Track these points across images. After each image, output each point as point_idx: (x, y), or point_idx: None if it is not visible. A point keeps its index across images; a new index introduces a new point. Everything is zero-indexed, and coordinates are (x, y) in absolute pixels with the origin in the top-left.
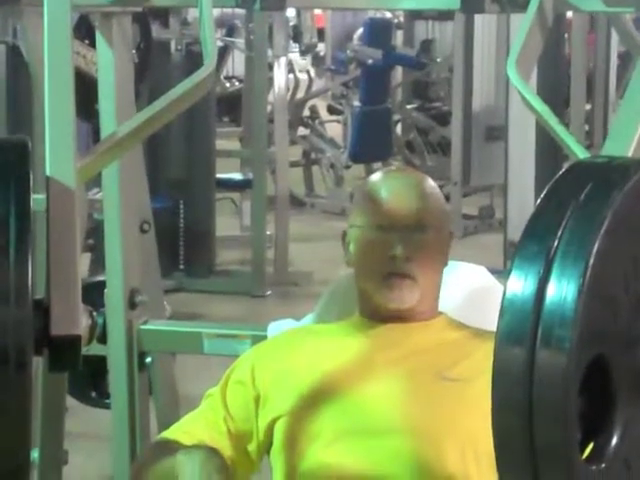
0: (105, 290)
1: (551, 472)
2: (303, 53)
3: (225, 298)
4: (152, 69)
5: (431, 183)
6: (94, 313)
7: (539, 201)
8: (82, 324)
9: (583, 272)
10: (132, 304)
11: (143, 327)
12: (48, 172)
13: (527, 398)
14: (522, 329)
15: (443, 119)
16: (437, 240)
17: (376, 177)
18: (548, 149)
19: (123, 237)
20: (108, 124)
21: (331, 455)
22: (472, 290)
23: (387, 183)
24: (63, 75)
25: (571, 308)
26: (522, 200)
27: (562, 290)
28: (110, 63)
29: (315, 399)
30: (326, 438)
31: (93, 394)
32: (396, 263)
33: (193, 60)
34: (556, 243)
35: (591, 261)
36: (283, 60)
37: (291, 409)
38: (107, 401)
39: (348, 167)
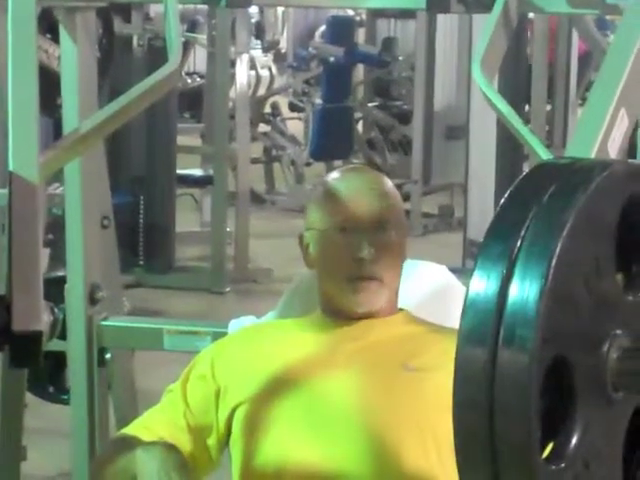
0: (65, 286)
1: (511, 472)
2: (266, 50)
3: (184, 294)
4: (114, 64)
5: (388, 181)
6: (55, 309)
7: (502, 201)
8: (44, 320)
9: (545, 273)
10: (92, 300)
11: (103, 323)
12: (11, 167)
13: (488, 398)
14: (484, 328)
15: (404, 117)
16: (399, 239)
17: (333, 177)
18: (508, 149)
19: (84, 232)
20: (71, 119)
21: (289, 444)
22: (433, 289)
23: (346, 183)
24: (27, 70)
25: (533, 308)
26: (482, 199)
27: (524, 290)
28: (73, 58)
29: (274, 388)
30: (285, 426)
31: (51, 389)
32: (363, 265)
33: (155, 55)
34: (519, 243)
35: (554, 262)
36: (245, 57)
37: (250, 396)
38: (65, 397)
39: (309, 164)
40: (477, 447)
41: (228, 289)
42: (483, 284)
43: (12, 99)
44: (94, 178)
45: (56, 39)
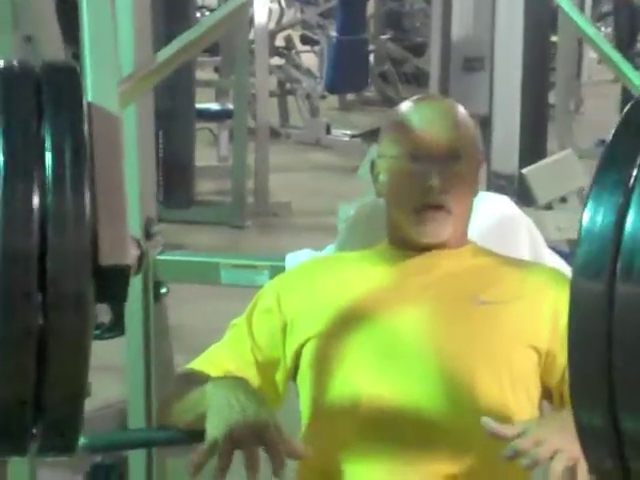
0: None
1: (630, 406)
2: None
3: (205, 229)
4: None
5: (463, 111)
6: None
7: (615, 128)
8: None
9: None
10: (148, 234)
11: (159, 257)
12: (90, 97)
13: (606, 332)
14: (601, 261)
15: (417, 50)
16: (471, 169)
17: (407, 105)
18: (534, 79)
19: (140, 166)
20: (126, 52)
21: (361, 377)
22: (496, 219)
23: (420, 111)
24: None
25: None
26: (507, 131)
27: None
28: None
29: (344, 322)
30: (355, 360)
31: None
32: (432, 194)
33: None
34: (635, 172)
35: None
36: None
37: (319, 331)
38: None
39: (323, 97)
40: (594, 382)
41: (248, 223)
42: (599, 214)
43: (88, 28)
44: (148, 110)
45: None
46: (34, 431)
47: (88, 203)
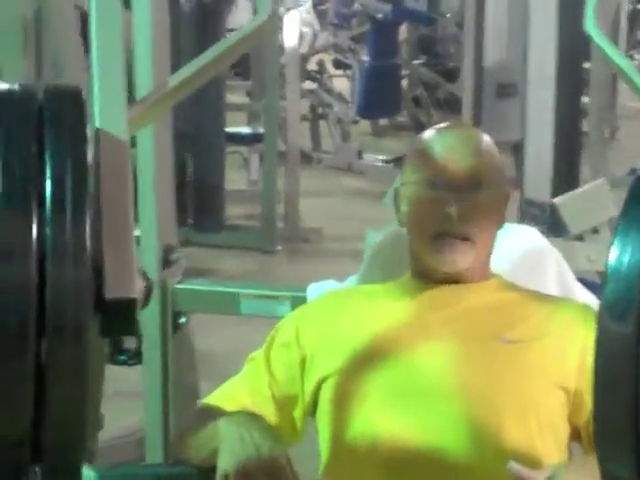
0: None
1: None
2: (316, 6)
3: (235, 253)
4: None
5: (487, 139)
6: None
7: None
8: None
9: None
10: (167, 262)
11: (178, 286)
12: (98, 124)
13: (634, 376)
14: (628, 301)
15: (450, 75)
16: (493, 200)
17: (430, 133)
18: (567, 106)
19: (157, 192)
20: (144, 75)
21: (382, 417)
22: (523, 251)
23: (442, 139)
24: (112, 22)
25: None
26: (540, 158)
27: None
28: (147, 14)
29: (365, 359)
30: (376, 399)
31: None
32: (450, 222)
33: (203, 11)
34: None
35: None
36: (295, 13)
37: (339, 368)
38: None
39: (355, 122)
40: (619, 428)
41: (279, 248)
42: (626, 252)
43: (97, 53)
44: (165, 137)
45: None
46: (36, 470)
47: (89, 234)
